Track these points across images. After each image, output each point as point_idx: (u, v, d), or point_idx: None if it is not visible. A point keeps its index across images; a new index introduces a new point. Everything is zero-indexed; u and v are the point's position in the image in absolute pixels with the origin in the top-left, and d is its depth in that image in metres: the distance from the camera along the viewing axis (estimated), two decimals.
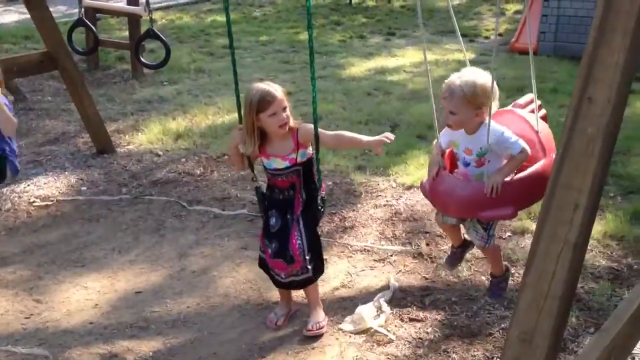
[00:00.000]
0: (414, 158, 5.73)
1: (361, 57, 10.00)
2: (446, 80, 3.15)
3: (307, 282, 3.49)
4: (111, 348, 3.43)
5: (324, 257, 3.72)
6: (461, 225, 3.70)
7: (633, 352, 3.08)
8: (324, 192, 3.52)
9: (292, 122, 3.34)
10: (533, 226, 4.29)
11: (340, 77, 8.75)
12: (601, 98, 1.86)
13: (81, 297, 3.91)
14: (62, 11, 12.74)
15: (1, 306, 3.80)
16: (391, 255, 4.27)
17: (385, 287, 3.88)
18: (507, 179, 3.13)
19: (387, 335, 3.45)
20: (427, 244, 4.37)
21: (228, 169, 5.66)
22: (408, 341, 3.42)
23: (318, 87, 3.36)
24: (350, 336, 3.48)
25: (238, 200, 5.11)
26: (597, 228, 4.37)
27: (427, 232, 4.54)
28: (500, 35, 11.13)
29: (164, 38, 6.54)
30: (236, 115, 3.51)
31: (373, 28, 12.54)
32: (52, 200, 5.17)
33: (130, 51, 8.45)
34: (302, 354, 3.36)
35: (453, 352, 3.32)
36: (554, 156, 3.22)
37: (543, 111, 3.54)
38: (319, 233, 3.60)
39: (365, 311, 3.57)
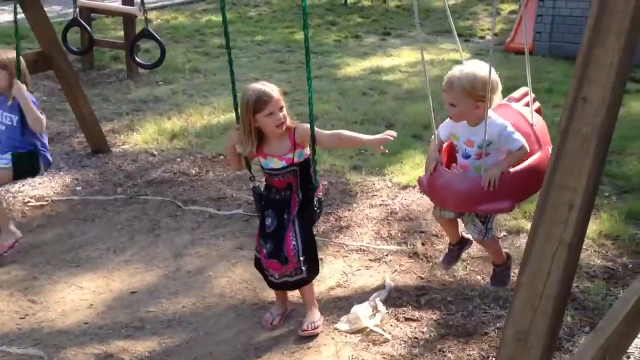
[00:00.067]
0: (409, 158, 5.73)
1: (357, 56, 10.00)
2: (448, 73, 3.18)
3: (301, 283, 3.49)
4: (106, 348, 3.42)
5: (320, 256, 3.72)
6: (459, 223, 3.72)
7: (628, 350, 3.09)
8: (320, 194, 3.52)
9: (289, 122, 3.34)
10: (528, 225, 4.30)
11: (335, 77, 8.75)
12: (596, 98, 1.87)
13: (76, 297, 3.90)
14: (56, 11, 12.71)
15: None
16: (387, 255, 4.27)
17: (381, 287, 3.89)
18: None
19: (382, 335, 3.45)
20: (423, 244, 4.38)
21: (224, 168, 5.66)
22: (404, 341, 3.43)
23: (313, 87, 3.36)
24: (345, 336, 3.48)
25: (233, 200, 5.11)
26: (592, 227, 4.38)
27: (422, 232, 4.54)
28: (495, 35, 11.14)
29: (159, 38, 6.52)
30: (232, 115, 3.51)
31: (368, 28, 12.55)
32: (47, 200, 5.16)
33: (125, 51, 8.44)
34: (298, 354, 3.36)
35: (449, 352, 3.32)
36: (549, 149, 3.25)
37: (537, 104, 3.56)
38: (315, 233, 3.60)
39: (361, 311, 3.57)
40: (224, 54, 9.92)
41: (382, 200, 5.05)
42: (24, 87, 4.25)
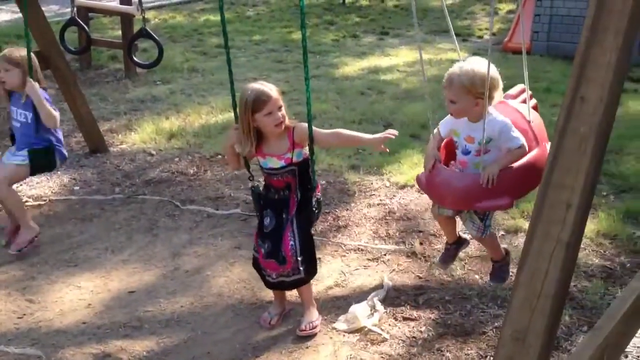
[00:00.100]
0: (407, 157, 5.73)
1: (354, 56, 10.00)
2: (449, 70, 3.19)
3: (299, 283, 3.48)
4: (104, 348, 3.42)
5: (318, 256, 3.72)
6: (457, 223, 3.72)
7: (626, 350, 3.09)
8: (319, 194, 3.52)
9: (287, 121, 3.34)
10: (526, 225, 4.30)
11: (333, 77, 8.75)
12: (594, 97, 1.87)
13: (74, 296, 3.90)
14: (54, 10, 12.68)
15: None
16: (385, 255, 4.27)
17: (379, 286, 3.89)
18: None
19: (380, 334, 3.45)
20: (421, 243, 4.38)
21: (222, 168, 5.66)
22: (402, 340, 3.43)
23: (311, 86, 3.36)
24: (344, 335, 3.48)
25: (231, 200, 5.11)
26: (590, 227, 4.39)
27: (420, 231, 4.54)
28: (493, 34, 11.15)
29: (156, 37, 6.52)
30: (229, 114, 3.51)
31: (366, 27, 12.55)
32: (44, 200, 5.15)
33: (123, 50, 8.42)
34: (296, 353, 3.35)
35: (447, 351, 3.32)
36: (546, 145, 3.27)
37: (534, 101, 3.57)
38: (313, 232, 3.59)
39: (359, 310, 3.57)
40: (221, 54, 9.91)
41: (380, 200, 5.05)
42: (36, 84, 4.31)
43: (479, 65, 3.11)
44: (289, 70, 9.13)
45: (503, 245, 3.74)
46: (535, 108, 3.56)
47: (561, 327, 3.38)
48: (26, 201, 5.09)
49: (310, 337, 3.46)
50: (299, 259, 3.37)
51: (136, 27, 7.84)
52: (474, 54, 9.46)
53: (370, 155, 5.83)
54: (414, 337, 3.45)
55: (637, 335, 2.69)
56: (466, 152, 3.30)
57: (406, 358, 3.29)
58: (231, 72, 3.43)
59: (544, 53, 9.73)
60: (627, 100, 7.21)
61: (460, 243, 3.83)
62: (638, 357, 3.20)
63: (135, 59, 7.19)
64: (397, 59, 9.76)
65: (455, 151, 3.41)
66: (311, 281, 3.58)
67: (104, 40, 9.38)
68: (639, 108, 7.13)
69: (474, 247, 4.21)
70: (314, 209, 3.45)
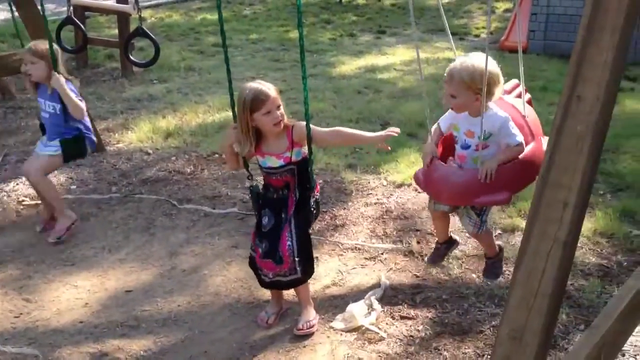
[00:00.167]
0: (404, 156, 5.73)
1: (351, 55, 10.00)
2: (450, 65, 3.21)
3: (295, 283, 3.48)
4: (101, 347, 3.42)
5: (315, 255, 3.72)
6: (450, 222, 3.73)
7: (623, 348, 3.10)
8: (318, 194, 3.51)
9: (286, 120, 3.33)
10: (523, 224, 4.31)
11: (330, 76, 8.74)
12: (590, 96, 1.87)
13: (71, 296, 3.89)
14: (50, 9, 12.66)
15: None
16: (382, 253, 4.27)
17: (376, 285, 3.89)
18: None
19: (378, 333, 3.45)
20: (418, 242, 4.38)
21: (219, 167, 5.65)
22: (399, 339, 3.43)
23: (308, 85, 3.35)
24: (341, 334, 3.48)
25: (228, 199, 5.10)
26: (587, 225, 4.39)
27: (417, 230, 4.55)
28: (490, 33, 11.15)
29: (153, 36, 6.50)
30: (226, 113, 3.51)
31: (363, 26, 12.55)
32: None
33: (119, 49, 8.41)
34: (293, 352, 3.36)
35: (444, 350, 3.33)
36: (542, 139, 3.29)
37: (528, 95, 3.59)
38: (310, 232, 3.59)
39: (356, 309, 3.57)
40: (218, 53, 9.91)
41: (378, 199, 5.05)
42: (61, 77, 4.35)
43: (479, 60, 3.11)
44: (286, 69, 9.12)
45: (498, 242, 3.75)
46: (529, 102, 3.58)
47: (558, 325, 3.39)
48: (23, 200, 5.09)
49: (308, 336, 3.46)
50: (296, 259, 3.37)
51: (133, 26, 7.81)
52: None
53: (368, 154, 5.83)
54: (411, 335, 3.45)
55: (634, 333, 2.68)
56: (466, 147, 3.31)
57: (403, 357, 3.30)
58: (229, 71, 3.42)
59: (540, 52, 9.75)
60: (623, 99, 7.22)
61: (450, 243, 3.87)
62: (635, 355, 3.22)
63: (131, 57, 7.15)
64: (394, 57, 9.76)
65: (455, 146, 3.42)
66: (308, 280, 3.58)
67: (100, 39, 9.37)
68: (636, 107, 7.15)
69: (470, 246, 4.21)
70: (312, 209, 3.44)
